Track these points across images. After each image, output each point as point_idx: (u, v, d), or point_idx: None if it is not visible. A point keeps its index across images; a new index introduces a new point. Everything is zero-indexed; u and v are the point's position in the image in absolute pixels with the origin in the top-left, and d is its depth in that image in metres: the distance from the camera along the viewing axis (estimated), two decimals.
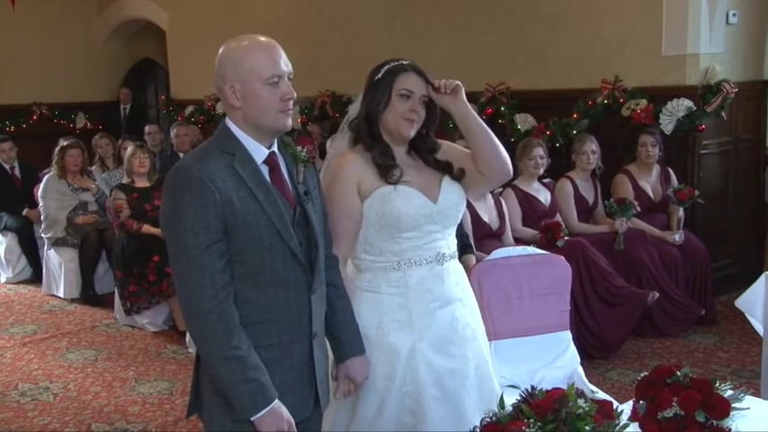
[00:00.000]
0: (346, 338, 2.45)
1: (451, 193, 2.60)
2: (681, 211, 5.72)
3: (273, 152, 2.23)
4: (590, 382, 3.84)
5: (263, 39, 2.20)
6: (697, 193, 5.64)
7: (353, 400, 2.57)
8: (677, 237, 5.59)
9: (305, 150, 2.32)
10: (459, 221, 2.67)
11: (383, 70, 2.56)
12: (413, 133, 2.56)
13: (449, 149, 2.71)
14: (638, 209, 5.48)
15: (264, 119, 2.17)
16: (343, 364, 2.46)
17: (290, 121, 2.22)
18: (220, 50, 2.20)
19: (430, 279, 2.57)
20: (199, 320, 2.09)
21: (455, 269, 2.66)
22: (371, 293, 2.58)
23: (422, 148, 2.63)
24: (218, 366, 2.08)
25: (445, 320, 2.58)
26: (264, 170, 2.20)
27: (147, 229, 6.03)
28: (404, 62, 2.58)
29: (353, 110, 2.67)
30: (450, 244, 2.64)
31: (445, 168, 2.63)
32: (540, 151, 5.37)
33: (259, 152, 2.19)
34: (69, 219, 7.03)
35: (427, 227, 2.55)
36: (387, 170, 2.53)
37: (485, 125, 2.62)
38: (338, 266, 2.49)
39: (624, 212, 5.41)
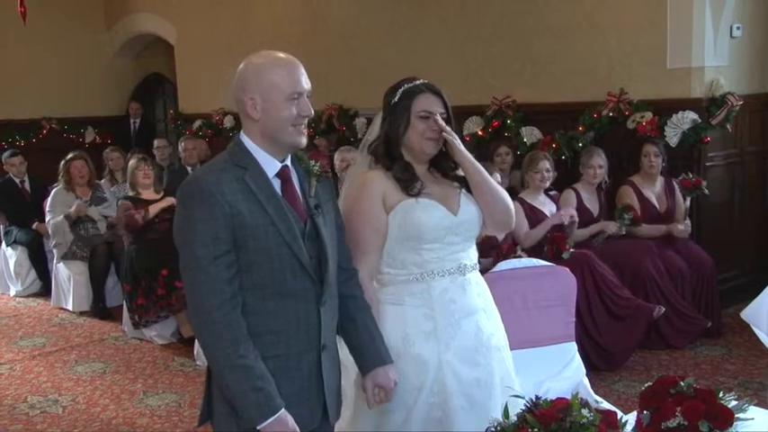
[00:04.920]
0: (369, 349, 2.46)
1: (470, 205, 2.64)
2: (687, 202, 5.75)
3: (286, 166, 2.27)
4: (596, 393, 3.86)
5: (284, 56, 2.26)
6: (704, 183, 5.66)
7: (379, 413, 2.58)
8: (682, 227, 5.61)
9: (318, 164, 2.37)
10: (477, 234, 2.70)
11: (399, 93, 2.61)
12: (436, 150, 2.62)
13: None
14: (638, 214, 5.51)
15: (281, 133, 2.21)
16: (369, 375, 2.46)
17: (304, 139, 2.27)
18: (242, 64, 2.25)
19: (453, 290, 2.60)
20: (207, 329, 2.13)
21: (477, 280, 2.70)
22: (395, 306, 2.60)
23: (445, 164, 2.67)
24: (225, 375, 2.12)
25: (470, 331, 2.61)
26: (276, 183, 2.24)
27: (154, 209, 6.11)
28: (418, 82, 2.63)
29: (372, 133, 2.72)
30: (471, 255, 2.68)
31: (463, 182, 2.68)
32: (546, 164, 5.40)
33: (272, 165, 2.23)
34: (75, 231, 7.09)
35: (449, 238, 2.59)
36: (408, 183, 2.58)
37: (489, 179, 2.66)
38: (357, 278, 2.51)
39: (620, 214, 5.48)
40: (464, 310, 2.61)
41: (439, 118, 2.58)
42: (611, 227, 5.52)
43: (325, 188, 2.37)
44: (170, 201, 6.15)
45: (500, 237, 4.90)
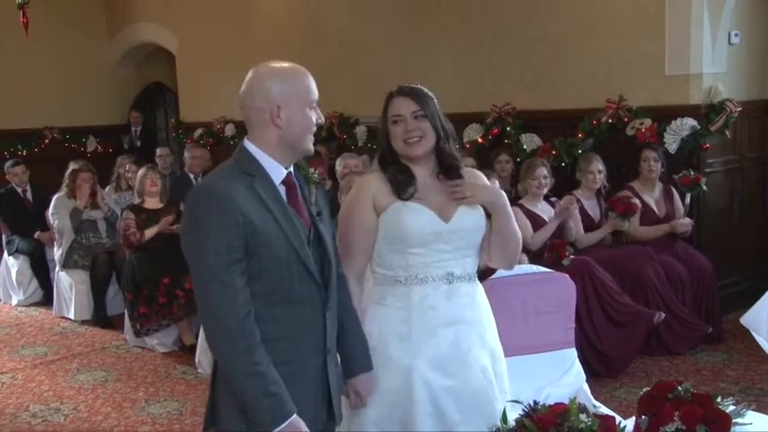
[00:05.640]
0: (355, 356, 2.50)
1: (468, 216, 2.62)
2: (687, 199, 5.80)
3: (290, 173, 2.30)
4: (597, 400, 3.85)
5: (297, 65, 2.30)
6: (703, 180, 5.69)
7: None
8: (683, 221, 5.66)
9: (316, 172, 2.40)
10: (476, 245, 2.67)
11: (383, 105, 2.68)
12: (421, 151, 2.62)
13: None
14: (627, 206, 5.59)
15: (301, 140, 2.26)
16: (352, 380, 2.51)
17: (312, 145, 2.34)
18: (259, 73, 2.26)
19: (434, 297, 2.60)
20: (221, 337, 2.14)
21: (468, 291, 2.66)
22: (379, 306, 2.64)
23: (442, 161, 2.66)
24: (239, 381, 2.13)
25: (446, 340, 2.60)
26: (281, 190, 2.26)
27: (150, 232, 6.17)
28: (393, 89, 2.68)
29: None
30: (464, 265, 2.65)
31: None
32: (543, 171, 5.43)
33: (278, 173, 2.25)
34: (78, 241, 7.12)
35: (436, 245, 2.59)
36: (400, 186, 2.60)
37: (517, 232, 2.68)
38: (347, 285, 2.54)
39: (606, 214, 5.64)
40: (444, 319, 2.61)
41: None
42: (618, 224, 5.63)
43: (321, 196, 2.40)
44: (167, 222, 6.22)
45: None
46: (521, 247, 2.73)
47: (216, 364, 2.28)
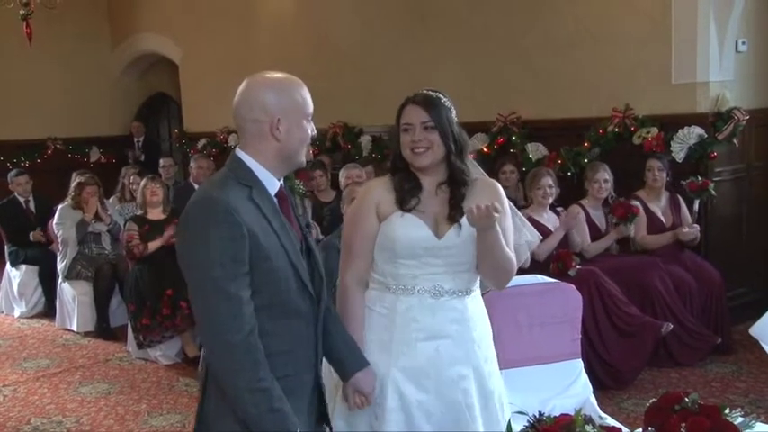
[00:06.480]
0: (346, 357, 2.49)
1: (463, 233, 2.56)
2: (695, 204, 5.76)
3: (282, 185, 2.27)
4: (605, 411, 3.81)
5: (292, 76, 2.26)
6: (711, 185, 5.66)
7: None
8: (686, 229, 5.61)
9: (302, 183, 2.39)
10: (470, 261, 2.60)
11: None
12: (426, 162, 2.58)
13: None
14: (627, 210, 5.57)
15: (298, 153, 2.25)
16: (350, 381, 2.49)
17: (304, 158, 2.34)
18: (255, 83, 2.21)
19: (417, 309, 2.59)
20: (226, 353, 2.07)
21: (456, 306, 2.62)
22: (368, 309, 2.65)
23: (455, 173, 2.60)
24: (244, 398, 2.08)
25: (426, 353, 2.58)
26: (274, 202, 2.24)
27: (153, 245, 6.16)
28: (410, 96, 2.65)
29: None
30: (456, 280, 2.60)
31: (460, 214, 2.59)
32: (548, 181, 5.40)
33: (272, 184, 2.22)
34: (81, 252, 7.11)
35: (426, 259, 2.57)
36: (404, 196, 2.59)
37: (510, 257, 2.56)
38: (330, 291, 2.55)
39: (628, 220, 5.57)
40: (426, 332, 2.58)
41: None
42: (622, 230, 5.61)
43: (306, 207, 2.40)
44: (166, 239, 6.18)
45: None
46: (513, 274, 2.63)
47: (206, 376, 2.23)
